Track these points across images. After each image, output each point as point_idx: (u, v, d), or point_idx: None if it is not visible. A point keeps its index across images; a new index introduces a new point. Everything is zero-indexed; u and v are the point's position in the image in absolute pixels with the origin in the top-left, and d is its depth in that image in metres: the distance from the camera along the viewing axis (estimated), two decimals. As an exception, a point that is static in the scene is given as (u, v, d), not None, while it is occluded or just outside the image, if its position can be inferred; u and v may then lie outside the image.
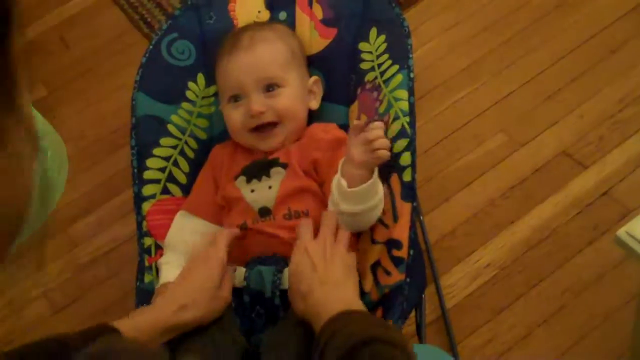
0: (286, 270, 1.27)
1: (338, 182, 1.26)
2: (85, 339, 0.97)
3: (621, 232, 0.99)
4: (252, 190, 1.35)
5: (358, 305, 1.12)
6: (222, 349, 1.20)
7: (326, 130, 1.40)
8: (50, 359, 0.83)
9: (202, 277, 1.24)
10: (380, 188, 1.26)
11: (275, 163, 1.36)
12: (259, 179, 1.36)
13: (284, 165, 1.35)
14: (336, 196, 1.26)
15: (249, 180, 1.36)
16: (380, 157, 1.23)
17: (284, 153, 1.37)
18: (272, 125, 1.38)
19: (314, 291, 1.14)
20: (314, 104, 1.45)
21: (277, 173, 1.35)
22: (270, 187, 1.34)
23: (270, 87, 1.37)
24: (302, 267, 1.19)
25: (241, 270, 1.30)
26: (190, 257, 1.31)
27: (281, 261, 1.29)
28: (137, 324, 1.14)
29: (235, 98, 1.39)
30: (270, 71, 1.37)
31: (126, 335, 1.06)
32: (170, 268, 1.34)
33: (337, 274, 1.17)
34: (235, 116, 1.39)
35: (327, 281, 1.15)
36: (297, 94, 1.40)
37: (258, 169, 1.36)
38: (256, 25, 1.47)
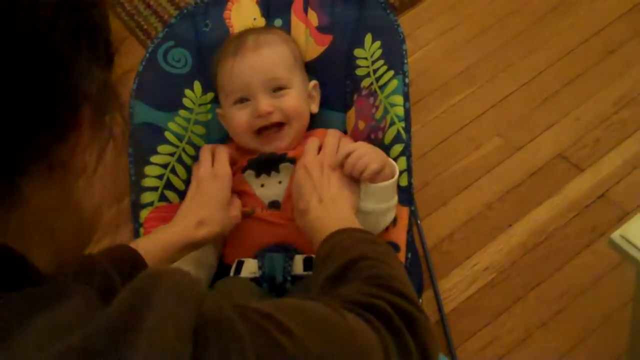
0: (297, 257, 1.28)
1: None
2: (110, 260, 1.02)
3: (615, 235, 0.99)
4: (262, 185, 1.36)
5: (352, 221, 1.15)
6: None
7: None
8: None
9: (214, 192, 1.29)
10: (396, 194, 1.28)
11: (283, 158, 1.36)
12: (268, 174, 1.36)
13: (293, 161, 1.35)
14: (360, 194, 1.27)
15: (257, 175, 1.37)
16: (370, 172, 1.23)
17: (291, 150, 1.37)
18: (278, 126, 1.38)
19: (311, 209, 1.18)
20: (314, 108, 1.45)
21: (286, 168, 1.35)
22: (280, 182, 1.35)
23: (277, 89, 1.37)
24: (302, 186, 1.23)
25: (251, 262, 1.30)
26: (193, 178, 1.35)
27: (291, 249, 1.30)
28: (156, 241, 1.19)
29: (241, 100, 1.39)
30: (277, 72, 1.37)
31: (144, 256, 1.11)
32: None
33: (333, 191, 1.21)
34: (240, 117, 1.38)
35: (324, 199, 1.19)
36: (302, 95, 1.41)
37: (266, 164, 1.36)
38: (258, 29, 1.47)
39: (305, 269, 1.27)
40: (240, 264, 1.32)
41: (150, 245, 1.17)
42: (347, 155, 1.24)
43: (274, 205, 1.34)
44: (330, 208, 1.18)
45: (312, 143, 1.30)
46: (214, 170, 1.33)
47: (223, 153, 1.35)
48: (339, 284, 0.92)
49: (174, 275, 0.61)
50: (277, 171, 1.36)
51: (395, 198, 1.28)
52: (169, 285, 0.59)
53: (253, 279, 1.29)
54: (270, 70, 1.37)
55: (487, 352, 1.67)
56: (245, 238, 1.35)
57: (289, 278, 1.26)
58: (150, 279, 0.60)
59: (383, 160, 1.25)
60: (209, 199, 1.28)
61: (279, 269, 1.27)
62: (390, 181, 1.25)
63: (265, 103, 1.35)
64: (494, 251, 1.82)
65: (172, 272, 0.62)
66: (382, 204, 1.26)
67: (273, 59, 1.38)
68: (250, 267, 1.30)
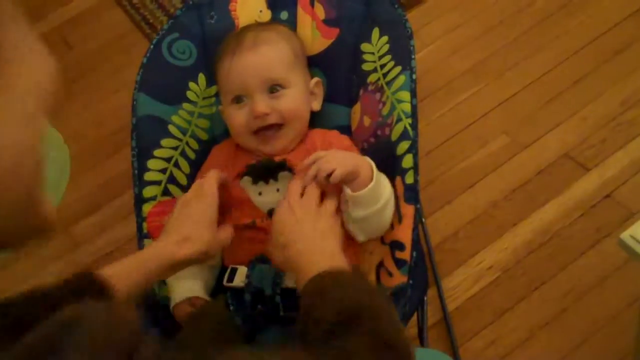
0: None
1: (343, 190, 1.25)
2: (65, 293, 0.95)
3: (625, 235, 0.98)
4: (260, 193, 1.34)
5: (340, 260, 1.08)
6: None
7: (327, 142, 1.38)
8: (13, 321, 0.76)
9: (200, 211, 1.22)
10: (387, 190, 1.26)
11: (282, 167, 1.35)
12: (266, 182, 1.35)
13: (291, 170, 1.34)
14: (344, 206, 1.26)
15: (255, 182, 1.35)
16: (335, 177, 1.21)
17: (289, 157, 1.36)
18: (277, 127, 1.37)
19: (296, 242, 1.12)
20: (316, 105, 1.44)
21: (285, 177, 1.34)
22: (278, 190, 1.34)
23: (274, 89, 1.36)
24: (285, 220, 1.18)
25: (244, 270, 1.29)
26: (184, 196, 1.29)
27: None
28: (129, 264, 1.10)
29: (239, 99, 1.37)
30: (275, 72, 1.36)
31: (115, 283, 1.00)
32: (184, 282, 1.33)
33: (322, 226, 1.16)
34: (238, 117, 1.37)
35: (310, 234, 1.14)
36: (301, 95, 1.39)
37: (265, 172, 1.35)
38: (258, 26, 1.45)
39: (296, 282, 1.25)
40: (233, 271, 1.31)
41: (123, 268, 1.08)
42: (314, 162, 1.23)
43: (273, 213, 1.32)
44: (318, 243, 1.13)
45: (294, 184, 1.24)
46: (200, 190, 1.27)
47: (212, 175, 1.30)
48: (339, 338, 0.88)
49: (97, 319, 0.53)
50: (276, 179, 1.34)
51: (385, 195, 1.25)
52: (87, 335, 0.50)
53: (240, 290, 1.27)
54: (267, 70, 1.35)
55: (490, 351, 1.66)
56: (241, 245, 1.33)
57: (278, 291, 1.24)
58: (65, 326, 0.51)
59: (353, 165, 1.22)
60: (193, 217, 1.23)
61: (268, 281, 1.25)
62: (368, 188, 1.22)
63: (262, 104, 1.34)
64: (499, 250, 1.81)
65: (95, 316, 0.53)
66: (372, 207, 1.24)
67: (271, 58, 1.37)
68: (242, 276, 1.28)
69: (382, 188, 1.25)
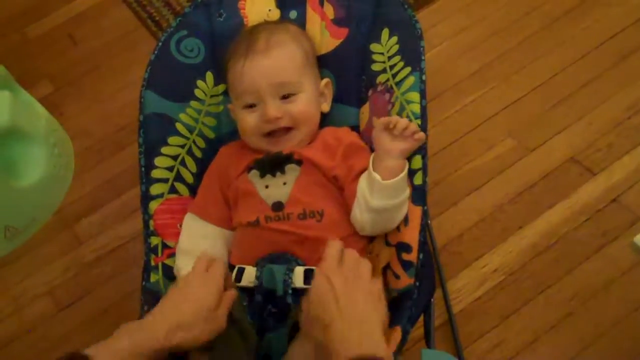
0: (297, 269, 1.26)
1: (370, 178, 1.26)
2: None
3: (638, 238, 0.98)
4: (267, 186, 1.34)
5: (380, 348, 1.00)
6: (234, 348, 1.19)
7: (337, 138, 1.38)
8: None
9: (199, 299, 1.16)
10: (407, 189, 1.27)
11: (290, 159, 1.35)
12: (273, 175, 1.34)
13: (299, 162, 1.34)
14: (367, 193, 1.26)
15: (262, 175, 1.35)
16: (419, 140, 1.25)
17: (298, 152, 1.36)
18: (287, 129, 1.37)
19: (334, 322, 1.02)
20: (325, 107, 1.44)
21: (292, 170, 1.34)
22: (284, 184, 1.33)
23: (286, 94, 1.36)
24: (324, 295, 1.07)
25: (251, 270, 1.28)
26: (186, 276, 1.23)
27: (292, 260, 1.28)
28: (121, 347, 1.05)
29: (251, 105, 1.37)
30: (287, 77, 1.36)
31: None
32: None
33: (360, 308, 1.05)
34: (250, 120, 1.37)
35: (348, 317, 1.03)
36: (312, 98, 1.39)
37: (272, 164, 1.35)
38: (270, 26, 1.45)
39: (305, 282, 1.25)
40: (241, 272, 1.30)
41: (109, 355, 1.03)
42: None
43: (277, 207, 1.32)
44: (356, 328, 1.02)
45: (333, 249, 1.16)
46: (204, 275, 1.20)
47: (219, 264, 1.24)
48: None
49: None
50: (283, 172, 1.34)
51: (407, 191, 1.26)
52: None
53: (247, 289, 1.27)
54: (279, 75, 1.35)
55: (494, 354, 1.65)
56: (247, 246, 1.33)
57: (289, 291, 1.24)
58: None
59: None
60: (190, 306, 1.14)
61: (279, 281, 1.25)
62: (401, 176, 1.24)
63: (273, 109, 1.34)
64: (504, 253, 1.80)
65: None
66: (394, 199, 1.25)
67: (283, 63, 1.37)
68: (250, 276, 1.28)
69: (405, 184, 1.26)
